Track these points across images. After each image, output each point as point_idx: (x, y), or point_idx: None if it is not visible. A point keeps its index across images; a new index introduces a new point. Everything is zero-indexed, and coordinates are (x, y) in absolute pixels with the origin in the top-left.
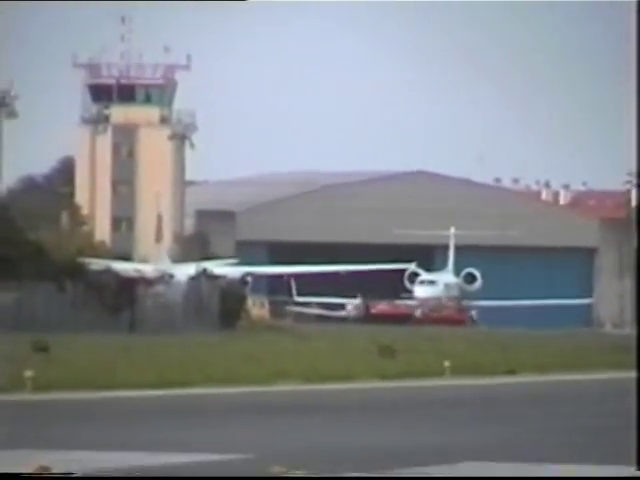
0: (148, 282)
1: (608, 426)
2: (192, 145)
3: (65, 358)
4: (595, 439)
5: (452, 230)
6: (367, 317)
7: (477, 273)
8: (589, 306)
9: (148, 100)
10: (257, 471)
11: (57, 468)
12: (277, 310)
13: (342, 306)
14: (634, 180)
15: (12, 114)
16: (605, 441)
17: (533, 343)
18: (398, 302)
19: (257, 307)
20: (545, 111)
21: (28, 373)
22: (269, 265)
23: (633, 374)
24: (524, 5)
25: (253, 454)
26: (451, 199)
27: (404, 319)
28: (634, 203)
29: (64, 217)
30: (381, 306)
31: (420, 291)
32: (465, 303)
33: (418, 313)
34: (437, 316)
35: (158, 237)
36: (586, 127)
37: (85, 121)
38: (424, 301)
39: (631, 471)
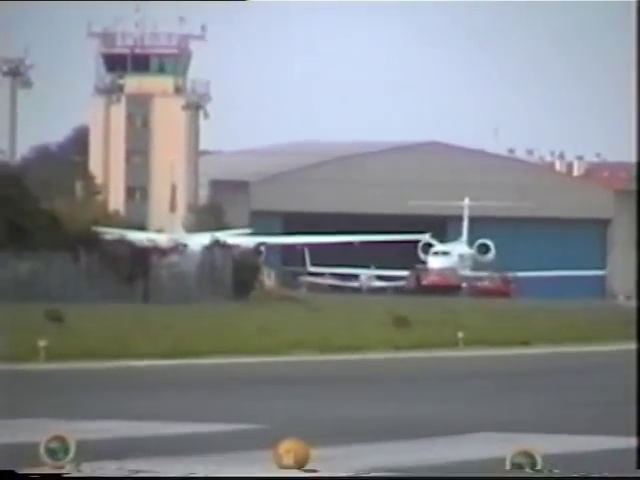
0: (162, 252)
1: (616, 400)
2: (206, 115)
3: (79, 328)
4: (605, 411)
5: (466, 201)
6: (418, 288)
7: (491, 244)
8: (602, 278)
9: (162, 70)
10: (272, 442)
11: (71, 437)
12: (290, 280)
13: (356, 277)
14: None
15: (27, 83)
16: (612, 414)
17: (547, 315)
18: (448, 272)
19: (265, 278)
20: (559, 83)
21: (42, 342)
22: (283, 235)
23: None
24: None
25: (267, 425)
26: (465, 170)
27: (454, 290)
28: None
29: (78, 187)
30: (432, 277)
31: (434, 262)
32: (510, 275)
33: (465, 284)
34: (484, 287)
35: (172, 207)
36: (599, 98)
37: (99, 91)
38: (439, 271)
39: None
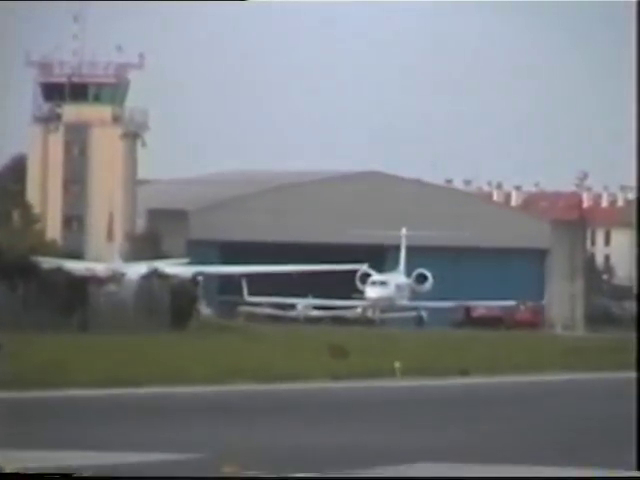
0: (100, 281)
1: (556, 427)
2: (144, 144)
3: (16, 357)
4: (543, 440)
5: (404, 231)
6: (468, 321)
7: (428, 274)
8: (540, 307)
9: (100, 99)
10: (209, 471)
11: (8, 467)
12: (228, 310)
13: (293, 306)
14: (583, 181)
15: None
16: (551, 442)
17: (485, 344)
18: (492, 304)
19: (202, 308)
20: (496, 112)
21: None
22: (220, 265)
23: (583, 376)
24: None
25: (205, 454)
26: (403, 200)
27: (497, 322)
28: (585, 205)
29: (15, 215)
30: (480, 309)
31: (371, 292)
32: (538, 305)
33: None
34: (518, 318)
35: (110, 236)
36: (537, 128)
37: (37, 119)
38: (375, 302)
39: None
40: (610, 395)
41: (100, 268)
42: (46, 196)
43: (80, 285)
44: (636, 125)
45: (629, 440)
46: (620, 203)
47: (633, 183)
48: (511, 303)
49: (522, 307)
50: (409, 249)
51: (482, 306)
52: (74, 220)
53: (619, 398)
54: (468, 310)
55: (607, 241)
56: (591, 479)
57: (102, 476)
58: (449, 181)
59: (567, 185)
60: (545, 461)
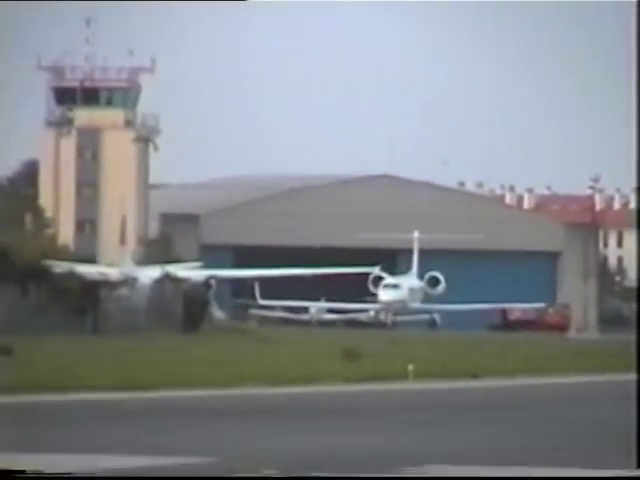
0: (112, 285)
1: (568, 431)
2: (156, 148)
3: (28, 361)
4: (554, 443)
5: (416, 234)
6: (506, 324)
7: (441, 277)
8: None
9: (112, 103)
10: (221, 474)
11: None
12: (240, 313)
13: (306, 309)
14: (596, 184)
15: None
16: (563, 445)
17: (497, 347)
18: (527, 307)
19: (215, 311)
20: (509, 115)
21: None
22: (233, 269)
23: (597, 378)
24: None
25: (217, 457)
26: (415, 203)
27: (531, 325)
28: (597, 207)
29: (28, 220)
30: (517, 313)
31: (384, 295)
32: (566, 307)
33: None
34: (547, 321)
35: (122, 240)
36: (550, 131)
37: (49, 124)
38: (388, 305)
39: (586, 472)
40: (622, 397)
41: (112, 272)
42: (58, 200)
43: (92, 289)
44: (636, 126)
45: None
46: (632, 205)
47: None
48: (540, 305)
49: (551, 310)
50: (421, 252)
51: (518, 309)
52: (86, 224)
53: (630, 400)
54: (505, 313)
55: (620, 243)
56: (591, 479)
57: (104, 476)
58: (461, 184)
59: (579, 188)
60: (552, 463)
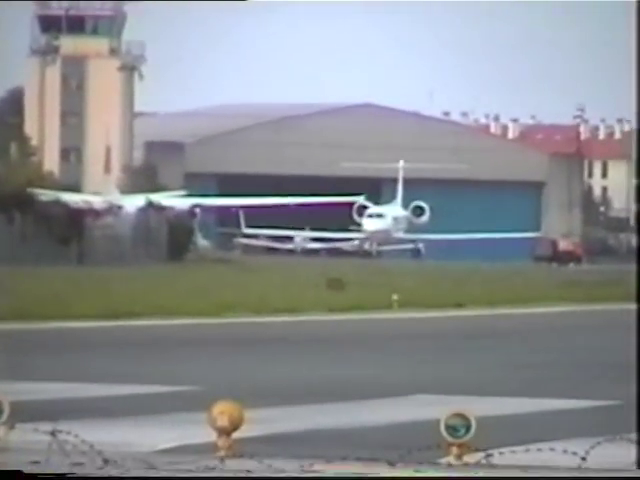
0: (97, 213)
1: (550, 361)
2: (141, 76)
3: (13, 289)
4: (536, 375)
5: (400, 163)
6: (555, 255)
7: (425, 206)
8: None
9: (97, 31)
10: (203, 403)
11: (5, 398)
12: (225, 242)
13: (290, 239)
14: (581, 114)
15: None
16: (545, 376)
17: (482, 277)
18: (573, 240)
19: (199, 240)
20: (494, 44)
21: None
22: (218, 197)
23: (581, 307)
24: None
25: (202, 387)
26: (400, 132)
27: (575, 256)
28: (582, 137)
29: (13, 148)
30: (565, 243)
31: (368, 224)
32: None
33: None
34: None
35: (107, 168)
36: (535, 61)
37: (34, 52)
38: (372, 234)
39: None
40: (610, 326)
41: (97, 200)
42: (43, 129)
43: (77, 218)
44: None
45: (628, 373)
46: (617, 135)
47: (630, 115)
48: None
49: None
50: (406, 181)
51: (569, 241)
52: (71, 152)
53: (619, 329)
54: (555, 244)
55: (604, 173)
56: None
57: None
58: (446, 113)
59: (564, 118)
60: (547, 394)
